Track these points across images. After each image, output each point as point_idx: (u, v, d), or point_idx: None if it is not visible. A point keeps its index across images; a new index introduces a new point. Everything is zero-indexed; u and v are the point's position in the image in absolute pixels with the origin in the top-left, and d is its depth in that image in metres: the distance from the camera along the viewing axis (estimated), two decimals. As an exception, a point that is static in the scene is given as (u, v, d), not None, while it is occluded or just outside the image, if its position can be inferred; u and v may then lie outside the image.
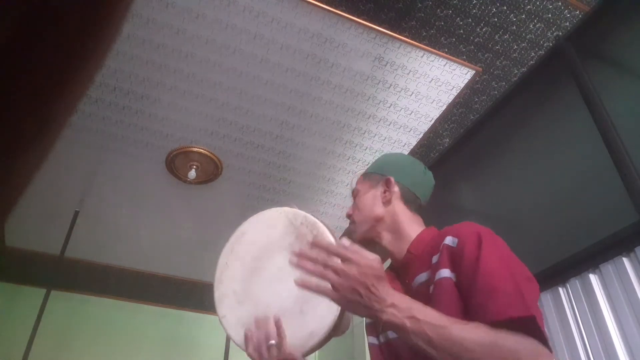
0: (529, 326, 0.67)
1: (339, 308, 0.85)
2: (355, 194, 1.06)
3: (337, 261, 0.71)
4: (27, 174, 0.21)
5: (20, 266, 3.05)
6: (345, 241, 0.73)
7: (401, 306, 0.70)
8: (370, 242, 0.99)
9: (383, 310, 0.69)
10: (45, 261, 2.99)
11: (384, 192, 1.01)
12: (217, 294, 0.98)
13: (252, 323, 0.90)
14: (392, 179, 1.01)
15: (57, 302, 2.84)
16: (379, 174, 1.05)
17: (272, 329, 0.87)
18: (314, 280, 0.71)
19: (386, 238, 0.98)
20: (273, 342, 0.86)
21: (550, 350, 0.68)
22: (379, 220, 0.99)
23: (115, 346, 3.10)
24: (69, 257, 2.94)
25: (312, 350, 0.86)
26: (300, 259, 0.72)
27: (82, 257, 3.15)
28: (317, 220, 0.93)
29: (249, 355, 0.89)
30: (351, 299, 0.70)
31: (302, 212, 0.96)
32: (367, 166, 1.13)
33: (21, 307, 2.90)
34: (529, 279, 0.77)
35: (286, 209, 0.99)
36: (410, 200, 1.01)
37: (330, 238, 0.89)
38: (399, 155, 1.14)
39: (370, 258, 0.71)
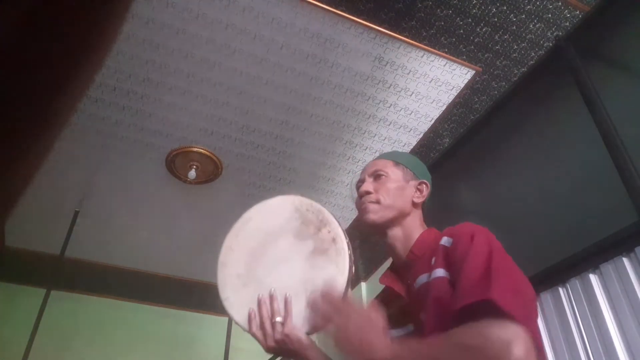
0: (487, 310, 0.63)
1: (343, 290, 0.86)
2: (381, 174, 1.02)
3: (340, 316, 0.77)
4: (27, 174, 0.21)
5: (20, 266, 3.05)
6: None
7: None
8: (381, 230, 0.99)
9: None
10: (45, 261, 3.00)
11: (416, 192, 1.01)
12: (221, 276, 0.98)
13: (255, 303, 0.91)
14: (429, 186, 1.03)
15: (57, 302, 2.84)
16: (412, 172, 1.04)
17: (277, 307, 0.88)
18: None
19: (396, 235, 0.98)
20: (279, 318, 0.87)
21: (524, 325, 0.62)
22: (403, 215, 0.98)
23: (115, 346, 3.10)
24: (69, 257, 2.94)
25: (315, 329, 0.87)
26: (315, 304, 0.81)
27: (82, 257, 3.16)
28: (322, 207, 0.94)
29: (252, 334, 0.89)
30: (348, 347, 0.74)
31: (308, 200, 0.97)
32: (392, 153, 1.10)
33: (21, 307, 2.89)
34: (512, 272, 0.74)
35: (292, 196, 1.00)
36: (425, 208, 1.04)
37: (338, 229, 0.91)
38: (420, 161, 1.14)
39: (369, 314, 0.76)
